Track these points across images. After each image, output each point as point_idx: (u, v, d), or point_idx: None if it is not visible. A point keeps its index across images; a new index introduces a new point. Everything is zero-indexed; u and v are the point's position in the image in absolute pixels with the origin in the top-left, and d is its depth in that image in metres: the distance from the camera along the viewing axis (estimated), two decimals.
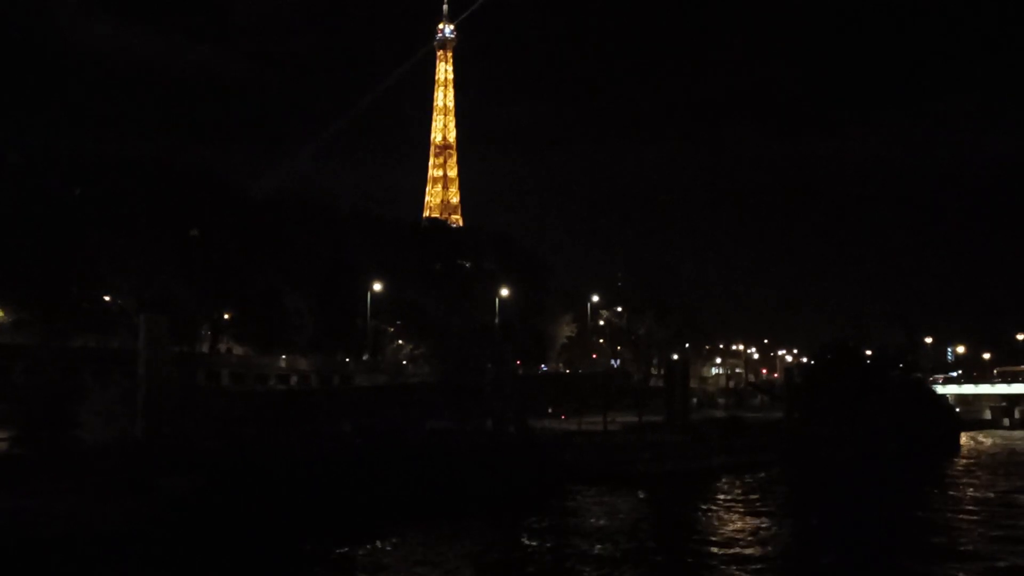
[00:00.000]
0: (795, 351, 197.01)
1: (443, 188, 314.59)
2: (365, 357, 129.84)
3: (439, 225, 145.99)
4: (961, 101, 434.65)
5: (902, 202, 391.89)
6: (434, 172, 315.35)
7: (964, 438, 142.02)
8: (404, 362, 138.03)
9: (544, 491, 64.85)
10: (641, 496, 69.04)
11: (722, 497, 70.45)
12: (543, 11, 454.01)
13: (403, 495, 55.32)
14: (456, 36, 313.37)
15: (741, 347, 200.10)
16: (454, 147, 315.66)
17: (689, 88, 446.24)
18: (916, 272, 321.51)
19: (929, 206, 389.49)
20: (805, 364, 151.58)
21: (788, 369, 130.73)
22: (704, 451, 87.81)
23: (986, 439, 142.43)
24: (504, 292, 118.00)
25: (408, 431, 69.03)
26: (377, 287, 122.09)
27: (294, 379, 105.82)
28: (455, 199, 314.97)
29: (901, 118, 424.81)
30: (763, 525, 58.99)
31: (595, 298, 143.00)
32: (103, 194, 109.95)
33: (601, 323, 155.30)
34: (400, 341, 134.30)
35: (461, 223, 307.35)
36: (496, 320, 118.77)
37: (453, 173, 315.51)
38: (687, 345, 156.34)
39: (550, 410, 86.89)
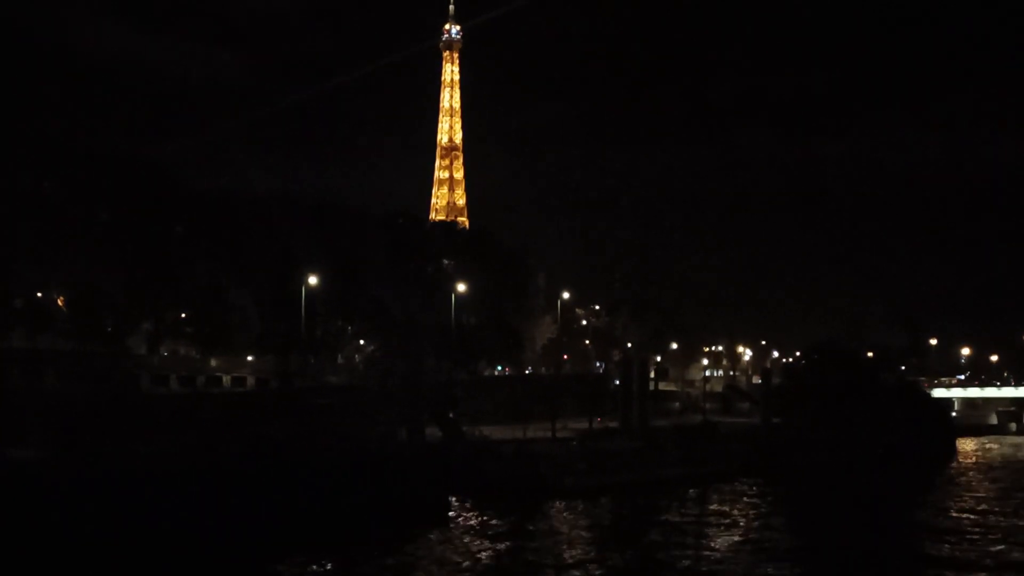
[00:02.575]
0: (798, 353, 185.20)
1: (449, 190, 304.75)
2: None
3: (412, 220, 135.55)
4: (971, 101, 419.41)
5: (910, 203, 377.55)
6: (440, 174, 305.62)
7: (969, 444, 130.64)
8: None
9: (427, 512, 54.69)
10: (545, 514, 58.79)
11: (655, 515, 60.29)
12: (552, 12, 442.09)
13: (249, 519, 45.45)
14: (462, 37, 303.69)
15: (740, 348, 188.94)
16: (460, 149, 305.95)
17: (699, 91, 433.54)
18: (923, 273, 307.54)
19: (938, 207, 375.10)
20: (789, 365, 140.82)
21: (765, 371, 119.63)
22: (657, 460, 77.54)
23: (991, 445, 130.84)
24: (461, 287, 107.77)
25: (304, 440, 59.52)
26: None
27: (227, 381, 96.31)
28: (461, 201, 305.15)
29: (910, 119, 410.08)
30: (685, 550, 48.93)
31: (565, 295, 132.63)
32: (34, 184, 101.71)
33: (584, 323, 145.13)
34: (362, 341, 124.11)
35: (467, 225, 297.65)
36: (452, 317, 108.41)
37: (459, 175, 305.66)
38: (675, 346, 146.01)
39: (451, 414, 76.47)
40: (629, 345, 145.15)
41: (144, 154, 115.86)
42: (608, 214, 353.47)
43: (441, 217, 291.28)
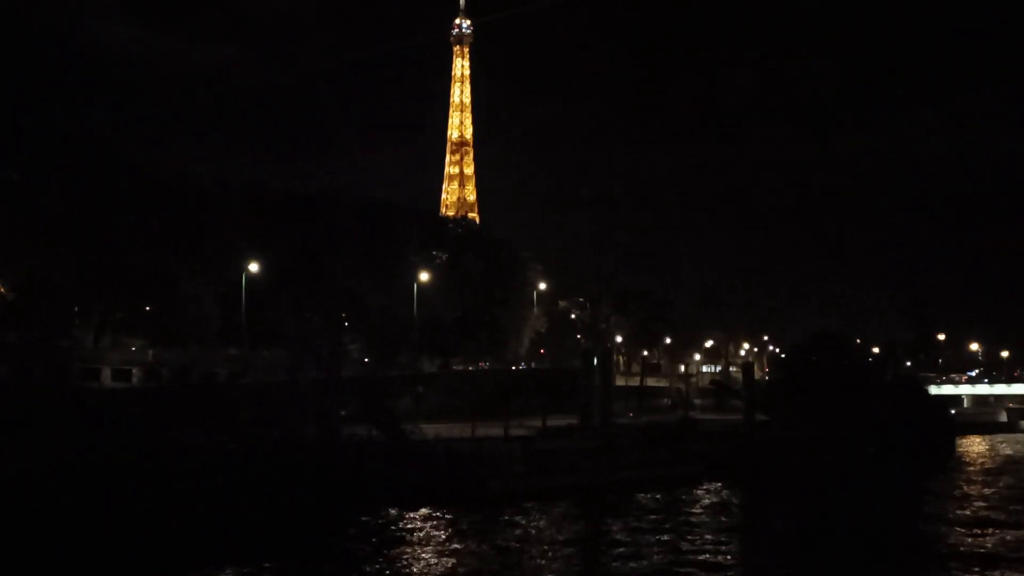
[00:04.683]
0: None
1: (460, 186, 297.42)
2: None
3: (392, 209, 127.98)
4: (987, 97, 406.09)
5: (924, 198, 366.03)
6: (450, 169, 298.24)
7: (976, 442, 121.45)
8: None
9: (317, 524, 46.92)
10: (452, 524, 50.61)
11: (579, 524, 52.22)
12: (563, 8, 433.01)
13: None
14: (473, 31, 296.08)
15: (745, 344, 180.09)
16: (471, 144, 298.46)
17: (715, 88, 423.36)
18: (935, 268, 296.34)
19: (952, 202, 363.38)
20: (780, 359, 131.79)
21: (747, 365, 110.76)
22: (612, 462, 69.30)
23: (1002, 444, 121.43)
24: (424, 277, 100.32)
25: (200, 440, 52.08)
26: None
27: (165, 374, 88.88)
28: (472, 197, 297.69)
29: (927, 115, 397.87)
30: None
31: (542, 285, 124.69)
32: None
33: (573, 317, 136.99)
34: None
35: (478, 221, 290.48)
36: (415, 308, 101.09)
37: (470, 170, 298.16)
38: (668, 341, 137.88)
39: (343, 413, 68.05)
40: (619, 339, 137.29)
41: (102, 139, 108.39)
42: (614, 211, 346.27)
43: (451, 213, 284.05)
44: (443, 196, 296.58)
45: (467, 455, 60.67)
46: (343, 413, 60.72)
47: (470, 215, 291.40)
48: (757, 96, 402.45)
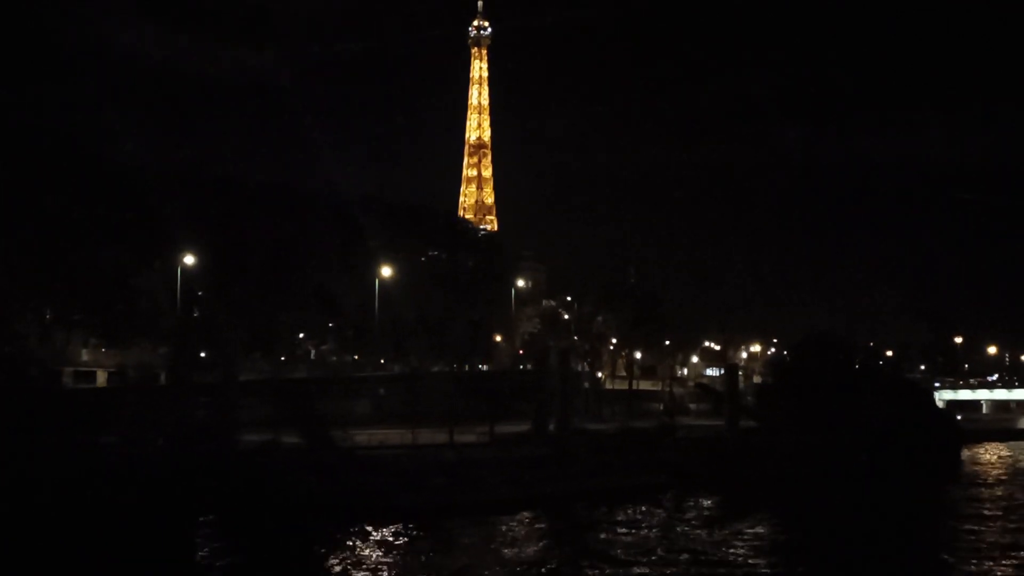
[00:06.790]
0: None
1: (477, 188, 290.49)
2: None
3: (377, 204, 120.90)
4: (1013, 99, 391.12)
5: (945, 200, 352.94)
6: (468, 172, 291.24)
7: (992, 451, 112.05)
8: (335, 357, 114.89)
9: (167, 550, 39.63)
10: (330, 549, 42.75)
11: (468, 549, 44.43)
12: (580, 9, 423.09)
13: None
14: (491, 33, 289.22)
15: (756, 348, 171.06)
16: (489, 146, 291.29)
17: (733, 90, 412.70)
18: (954, 271, 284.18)
19: (975, 204, 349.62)
20: (774, 361, 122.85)
21: (730, 367, 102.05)
22: (562, 472, 61.45)
23: (1019, 453, 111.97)
24: (387, 272, 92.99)
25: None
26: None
27: (103, 376, 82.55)
28: (490, 200, 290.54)
29: (948, 118, 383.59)
30: None
31: (520, 282, 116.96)
32: None
33: (566, 316, 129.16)
34: (301, 335, 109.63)
35: (496, 224, 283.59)
36: (376, 306, 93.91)
37: (488, 173, 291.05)
38: (667, 343, 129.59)
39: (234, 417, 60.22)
40: (615, 341, 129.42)
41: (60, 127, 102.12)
42: (614, 210, 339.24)
43: (469, 216, 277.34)
44: (461, 199, 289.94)
45: (380, 465, 53.07)
46: (235, 416, 53.10)
47: (487, 218, 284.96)
48: (774, 98, 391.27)
